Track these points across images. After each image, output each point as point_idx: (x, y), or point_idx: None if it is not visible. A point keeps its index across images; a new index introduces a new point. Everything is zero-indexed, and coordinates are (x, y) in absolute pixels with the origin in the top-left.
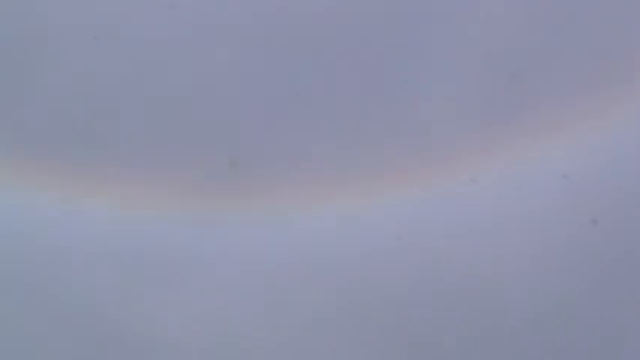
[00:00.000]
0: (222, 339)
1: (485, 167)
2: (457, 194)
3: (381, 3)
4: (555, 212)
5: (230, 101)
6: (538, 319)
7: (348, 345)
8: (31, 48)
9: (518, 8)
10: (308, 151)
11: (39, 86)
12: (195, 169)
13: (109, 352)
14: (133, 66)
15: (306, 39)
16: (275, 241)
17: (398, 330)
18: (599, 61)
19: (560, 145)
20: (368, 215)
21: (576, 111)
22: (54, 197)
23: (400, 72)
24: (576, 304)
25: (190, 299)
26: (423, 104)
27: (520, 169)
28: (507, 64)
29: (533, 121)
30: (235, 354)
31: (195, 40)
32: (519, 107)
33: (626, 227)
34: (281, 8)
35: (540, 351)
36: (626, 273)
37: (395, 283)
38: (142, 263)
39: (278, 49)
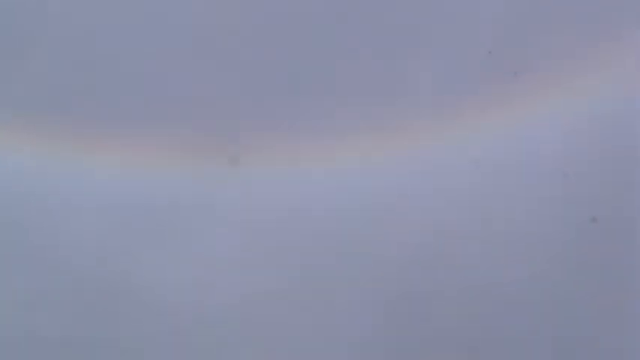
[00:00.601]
0: (222, 288)
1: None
2: (456, 190)
3: None
4: (554, 210)
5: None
6: (536, 317)
7: (345, 295)
8: (29, 11)
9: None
10: (313, 107)
11: (39, 48)
12: (195, 127)
13: (110, 301)
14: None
15: (310, 20)
16: (276, 195)
17: (391, 288)
18: (598, 58)
19: (559, 143)
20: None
21: (575, 109)
22: (56, 155)
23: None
24: (575, 303)
25: (191, 250)
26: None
27: (518, 166)
28: (508, 62)
29: (531, 119)
30: (234, 305)
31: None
32: (519, 105)
33: (627, 225)
34: None
35: (538, 350)
36: (626, 272)
37: (390, 247)
38: (143, 216)
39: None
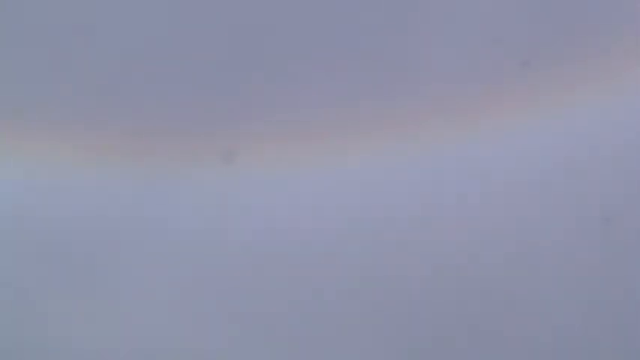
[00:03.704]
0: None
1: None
2: (466, 190)
3: None
4: (565, 210)
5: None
6: (549, 317)
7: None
8: None
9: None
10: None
11: None
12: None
13: None
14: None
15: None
16: (295, 197)
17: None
18: (608, 53)
19: (570, 141)
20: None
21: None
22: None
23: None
24: (587, 305)
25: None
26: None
27: (529, 165)
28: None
29: (541, 117)
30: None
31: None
32: (530, 101)
33: None
34: None
35: (550, 351)
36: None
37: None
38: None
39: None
